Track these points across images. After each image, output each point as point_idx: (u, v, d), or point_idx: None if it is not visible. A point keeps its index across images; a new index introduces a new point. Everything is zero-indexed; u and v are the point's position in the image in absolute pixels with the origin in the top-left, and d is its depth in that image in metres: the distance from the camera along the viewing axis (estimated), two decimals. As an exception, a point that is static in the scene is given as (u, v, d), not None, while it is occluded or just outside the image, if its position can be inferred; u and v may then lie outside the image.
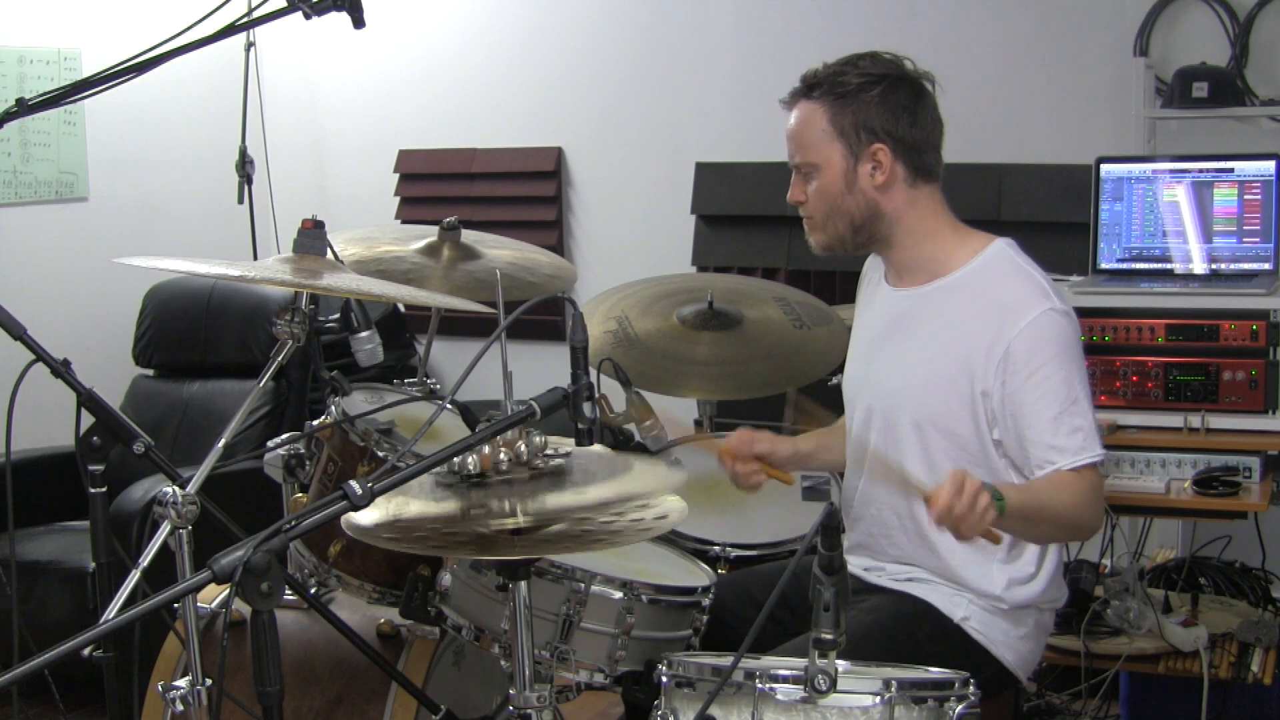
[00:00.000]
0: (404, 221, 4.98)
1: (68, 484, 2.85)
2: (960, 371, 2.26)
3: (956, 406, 2.27)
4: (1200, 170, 3.08)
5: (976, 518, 1.96)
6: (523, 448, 1.96)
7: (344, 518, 1.95)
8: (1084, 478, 2.20)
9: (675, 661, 1.92)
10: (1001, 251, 2.33)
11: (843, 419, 2.53)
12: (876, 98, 2.28)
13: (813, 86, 2.32)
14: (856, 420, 2.45)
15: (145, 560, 2.16)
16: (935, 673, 1.91)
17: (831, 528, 1.72)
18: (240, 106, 4.55)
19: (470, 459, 1.94)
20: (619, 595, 2.24)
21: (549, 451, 1.99)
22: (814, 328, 3.20)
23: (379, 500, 1.92)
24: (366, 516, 1.93)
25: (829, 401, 2.62)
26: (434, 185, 5.07)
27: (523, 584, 2.03)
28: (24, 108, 2.19)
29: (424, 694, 2.42)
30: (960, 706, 1.81)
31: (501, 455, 1.94)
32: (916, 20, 4.12)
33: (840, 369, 2.57)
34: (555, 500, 1.90)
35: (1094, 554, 3.34)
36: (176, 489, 2.14)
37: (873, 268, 2.52)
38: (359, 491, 1.68)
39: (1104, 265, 3.15)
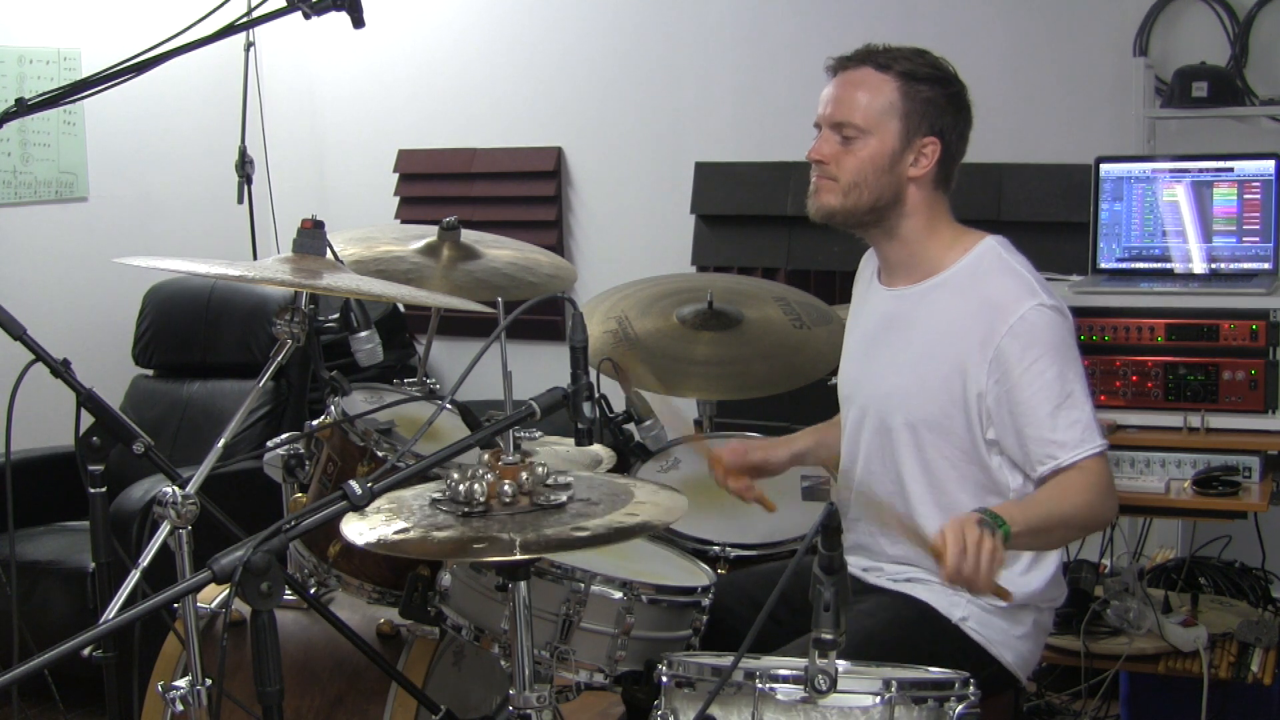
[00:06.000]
0: (404, 221, 4.98)
1: (68, 484, 2.85)
2: (953, 371, 2.26)
3: (950, 407, 2.27)
4: (1200, 170, 3.08)
5: (986, 569, 1.96)
6: (525, 476, 1.95)
7: (342, 532, 1.95)
8: (1088, 471, 2.18)
9: (675, 661, 1.92)
10: (990, 249, 2.33)
11: (837, 417, 2.54)
12: (947, 97, 2.30)
13: (887, 60, 2.30)
14: (850, 420, 2.45)
15: (145, 560, 2.16)
16: (935, 673, 1.90)
17: (831, 528, 1.72)
18: (240, 106, 4.55)
19: (476, 489, 1.93)
20: (619, 595, 2.24)
21: (550, 482, 1.98)
22: (814, 328, 3.20)
23: (377, 526, 1.92)
24: (363, 537, 1.92)
25: (828, 402, 2.62)
26: (434, 185, 5.07)
27: (522, 584, 2.03)
28: (24, 108, 2.18)
29: (424, 694, 2.42)
30: (960, 706, 1.81)
31: (506, 486, 1.94)
32: (916, 20, 4.12)
33: (839, 370, 2.57)
34: (555, 533, 1.89)
35: (1094, 554, 3.34)
36: (176, 489, 2.14)
37: (866, 267, 2.52)
38: (359, 491, 1.68)
39: (1104, 265, 3.15)
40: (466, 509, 1.93)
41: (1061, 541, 2.29)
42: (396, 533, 1.91)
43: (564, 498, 1.97)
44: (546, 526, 1.90)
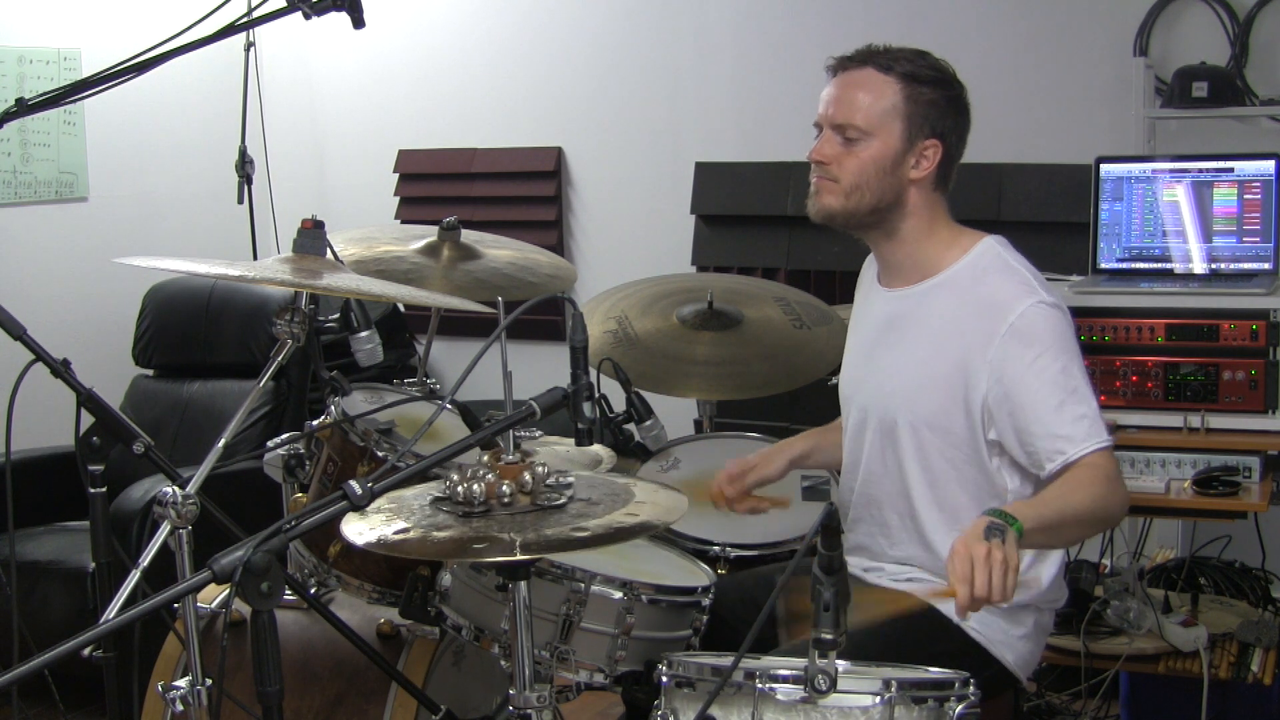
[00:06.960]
0: (404, 221, 4.99)
1: (68, 484, 2.85)
2: (954, 371, 2.26)
3: (951, 407, 2.27)
4: (1200, 170, 3.08)
5: (1000, 580, 1.87)
6: (527, 478, 1.95)
7: (342, 533, 1.94)
8: (1096, 467, 2.15)
9: (675, 661, 1.92)
10: (989, 249, 2.33)
11: (838, 420, 2.54)
12: (948, 99, 2.30)
13: (889, 62, 2.29)
14: (852, 422, 2.45)
15: (145, 560, 2.16)
16: (935, 673, 1.90)
17: (831, 528, 1.72)
18: (240, 106, 4.54)
19: (476, 489, 1.93)
20: (619, 595, 2.24)
21: (550, 482, 1.98)
22: (814, 328, 3.20)
23: (377, 526, 1.92)
24: (363, 537, 1.92)
25: (828, 402, 2.62)
26: (434, 185, 5.07)
27: (522, 584, 2.03)
28: (24, 108, 2.18)
29: (424, 694, 2.42)
30: (960, 706, 1.81)
31: (505, 487, 1.94)
32: (916, 20, 4.12)
33: (839, 370, 2.57)
34: (555, 534, 1.88)
35: (1094, 554, 3.34)
36: (176, 489, 2.14)
37: (867, 270, 2.52)
38: (359, 491, 1.68)
39: (1104, 265, 3.15)
40: (467, 509, 1.93)
41: (1074, 539, 2.27)
42: (396, 533, 1.91)
43: (564, 498, 1.97)
44: (547, 526, 1.89)
